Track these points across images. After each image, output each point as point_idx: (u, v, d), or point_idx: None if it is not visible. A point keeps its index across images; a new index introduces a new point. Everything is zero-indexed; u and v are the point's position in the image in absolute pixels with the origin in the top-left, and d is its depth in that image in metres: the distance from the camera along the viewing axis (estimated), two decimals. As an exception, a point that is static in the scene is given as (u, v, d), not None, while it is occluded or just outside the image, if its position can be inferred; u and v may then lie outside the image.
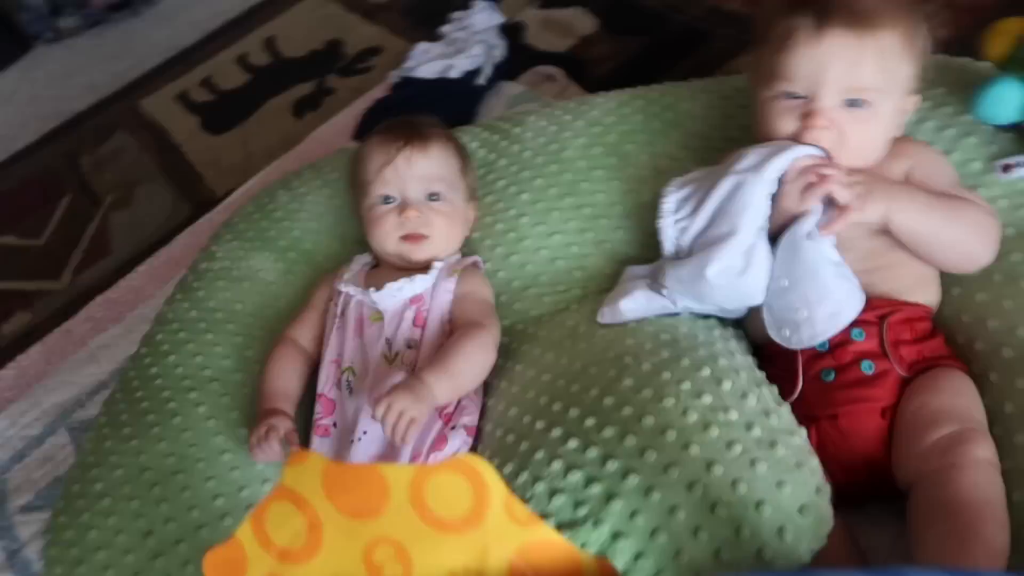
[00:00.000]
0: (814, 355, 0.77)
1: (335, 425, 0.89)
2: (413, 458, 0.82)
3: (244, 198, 1.53)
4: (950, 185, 0.80)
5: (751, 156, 0.77)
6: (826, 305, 0.74)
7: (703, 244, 0.78)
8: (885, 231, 0.77)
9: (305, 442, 0.94)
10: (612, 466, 0.71)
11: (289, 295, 1.08)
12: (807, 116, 0.76)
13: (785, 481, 0.67)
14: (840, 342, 0.76)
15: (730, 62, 1.35)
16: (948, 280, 0.82)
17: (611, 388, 0.78)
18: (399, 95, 1.51)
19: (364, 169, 1.00)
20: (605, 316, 0.87)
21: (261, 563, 0.39)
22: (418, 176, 0.96)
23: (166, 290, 1.18)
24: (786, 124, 0.78)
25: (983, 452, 0.66)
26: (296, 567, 0.39)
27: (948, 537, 0.62)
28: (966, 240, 0.76)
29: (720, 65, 1.34)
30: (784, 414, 0.74)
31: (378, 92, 1.61)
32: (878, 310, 0.76)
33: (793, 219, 0.76)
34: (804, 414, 0.75)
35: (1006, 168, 0.82)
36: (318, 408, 0.90)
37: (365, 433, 0.84)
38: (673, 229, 0.82)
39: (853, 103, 0.76)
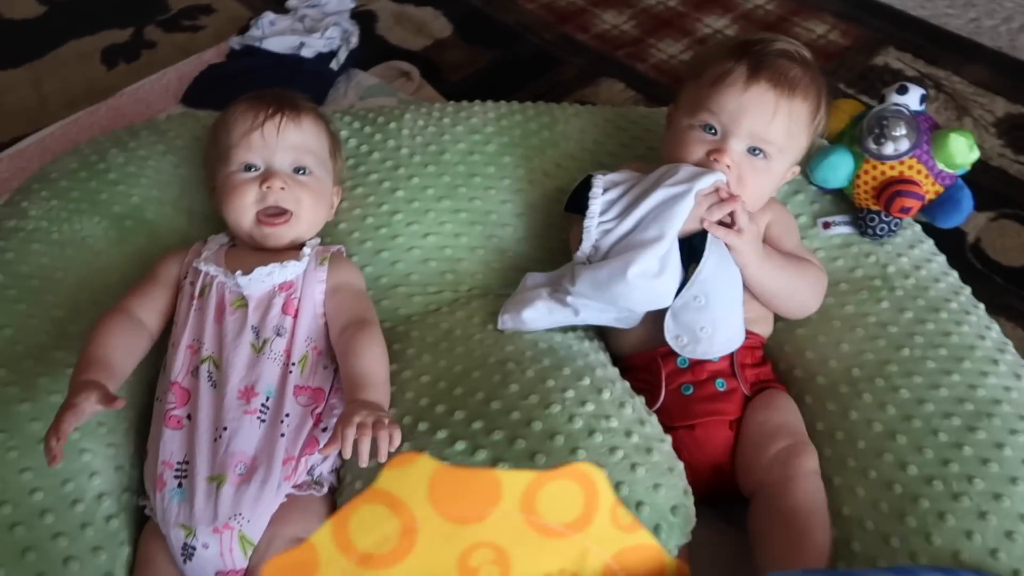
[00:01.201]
0: (675, 370, 0.86)
1: (189, 417, 0.81)
2: (286, 461, 0.78)
3: (38, 147, 1.34)
4: (796, 243, 0.93)
5: (682, 172, 0.84)
6: (727, 330, 0.83)
7: (623, 247, 0.82)
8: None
9: (143, 433, 0.85)
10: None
11: (124, 268, 0.97)
12: (716, 151, 0.85)
13: (660, 484, 0.74)
14: (698, 361, 0.86)
15: (579, 91, 1.44)
16: (775, 316, 0.94)
17: (497, 393, 0.81)
18: (240, 64, 1.41)
19: (226, 134, 0.92)
20: (507, 323, 0.89)
21: (335, 567, 0.35)
22: (287, 146, 0.91)
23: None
24: (696, 152, 0.87)
25: (811, 463, 0.79)
26: (377, 571, 0.36)
27: (787, 542, 0.74)
28: (802, 295, 0.90)
29: (570, 92, 1.42)
30: (654, 423, 0.81)
31: (211, 56, 1.49)
32: None
33: (693, 233, 0.83)
34: (663, 424, 0.82)
35: (826, 226, 0.97)
36: (171, 397, 0.82)
37: (225, 429, 0.78)
38: (596, 230, 0.85)
39: (755, 151, 0.86)
